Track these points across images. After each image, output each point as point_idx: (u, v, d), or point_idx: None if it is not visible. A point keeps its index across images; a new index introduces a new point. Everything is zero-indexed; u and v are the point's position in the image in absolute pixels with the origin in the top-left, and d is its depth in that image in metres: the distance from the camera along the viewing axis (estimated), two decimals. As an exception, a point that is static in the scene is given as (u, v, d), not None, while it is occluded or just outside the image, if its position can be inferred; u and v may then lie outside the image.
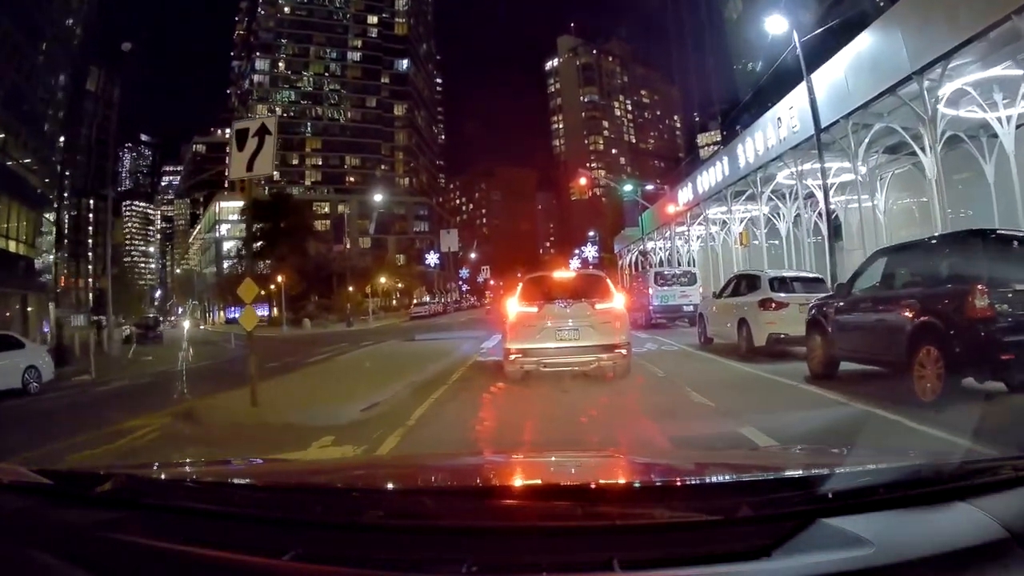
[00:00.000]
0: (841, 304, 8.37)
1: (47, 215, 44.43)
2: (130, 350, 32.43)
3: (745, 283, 12.38)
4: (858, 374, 8.15)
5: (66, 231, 53.12)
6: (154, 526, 1.31)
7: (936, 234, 7.63)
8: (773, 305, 10.93)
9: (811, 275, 12.32)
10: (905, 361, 6.71)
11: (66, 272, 47.27)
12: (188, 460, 3.11)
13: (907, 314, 6.89)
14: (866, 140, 15.06)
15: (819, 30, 16.56)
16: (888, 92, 13.35)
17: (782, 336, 10.85)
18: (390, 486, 1.67)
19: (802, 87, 16.20)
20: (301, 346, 24.43)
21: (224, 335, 39.81)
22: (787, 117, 17.49)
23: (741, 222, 25.72)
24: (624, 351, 8.65)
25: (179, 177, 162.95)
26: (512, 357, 8.76)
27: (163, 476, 1.82)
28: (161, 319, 51.93)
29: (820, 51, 20.46)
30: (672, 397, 7.62)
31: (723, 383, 8.54)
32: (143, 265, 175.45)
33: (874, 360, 7.71)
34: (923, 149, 15.06)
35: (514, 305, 9.13)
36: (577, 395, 8.05)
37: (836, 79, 14.89)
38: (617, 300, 9.16)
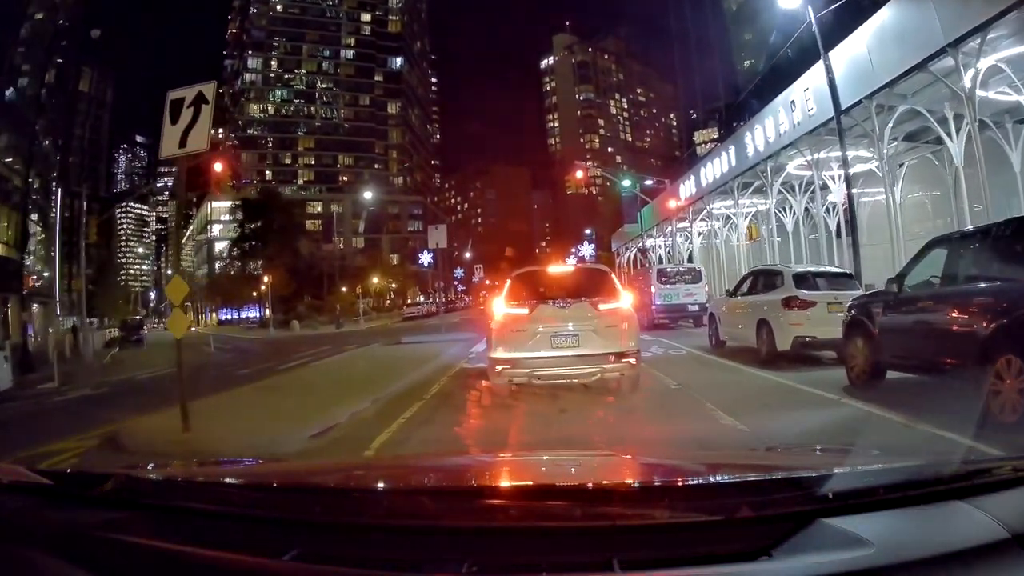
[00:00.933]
0: (890, 303, 7.07)
1: (32, 216, 43.32)
2: (108, 354, 31.21)
3: (763, 280, 11.06)
4: (906, 384, 6.90)
5: (57, 232, 51.64)
6: (154, 526, 1.31)
7: (1012, 218, 6.41)
8: (799, 304, 9.60)
9: (838, 270, 10.98)
10: (976, 372, 5.46)
11: (47, 274, 45.44)
12: (188, 460, 3.02)
13: (980, 316, 5.64)
14: (890, 123, 13.73)
15: (835, 5, 15.17)
16: (918, 68, 12.08)
17: (808, 339, 9.56)
18: (390, 486, 1.65)
19: (818, 67, 14.89)
20: (281, 350, 23.14)
21: (210, 338, 38.67)
22: (802, 100, 16.12)
23: (746, 217, 24.35)
24: (633, 360, 7.24)
25: (173, 178, 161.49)
26: (498, 368, 7.29)
27: (163, 476, 1.77)
28: (145, 321, 50.43)
29: (818, 47, 19.39)
30: (694, 418, 6.27)
31: (750, 397, 7.18)
32: (139, 267, 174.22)
33: (933, 369, 6.40)
34: (949, 134, 13.89)
35: (500, 306, 7.62)
36: (576, 415, 6.71)
37: (858, 55, 13.55)
38: (624, 299, 7.71)
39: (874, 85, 13.10)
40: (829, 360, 10.12)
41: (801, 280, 9.99)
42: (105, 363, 25.27)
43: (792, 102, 16.58)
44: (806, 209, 21.93)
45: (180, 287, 6.76)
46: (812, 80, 15.58)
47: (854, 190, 19.07)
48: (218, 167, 23.56)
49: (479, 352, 13.28)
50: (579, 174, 39.47)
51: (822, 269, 11.05)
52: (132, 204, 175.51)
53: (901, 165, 18.64)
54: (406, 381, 9.55)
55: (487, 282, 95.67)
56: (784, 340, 9.62)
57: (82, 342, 29.94)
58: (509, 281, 8.06)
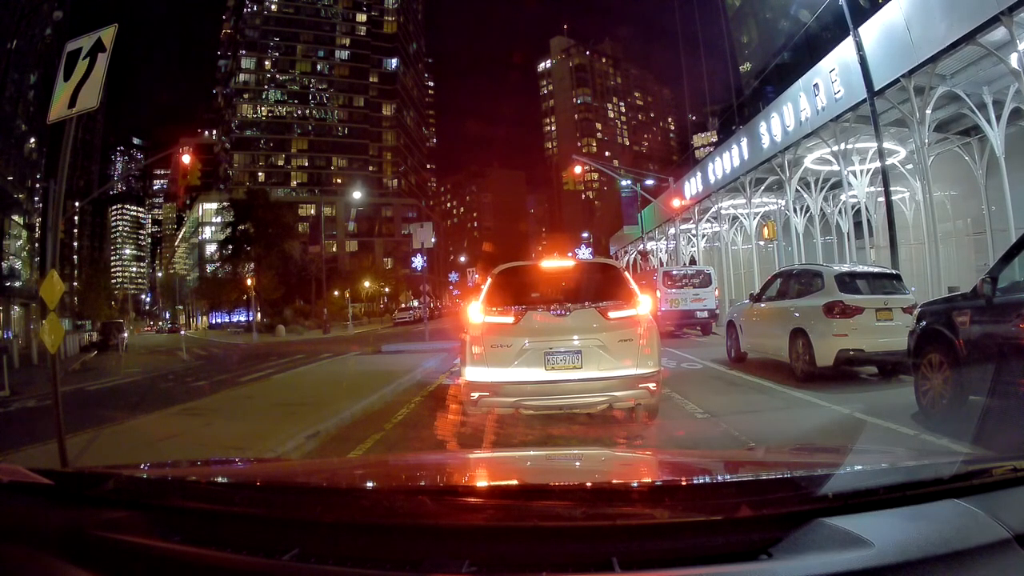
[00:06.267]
0: (981, 309, 5.45)
1: (15, 217, 41.85)
2: (79, 360, 29.57)
3: (797, 282, 9.41)
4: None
5: (37, 233, 50.14)
6: (154, 526, 1.31)
7: None
8: (844, 310, 7.99)
9: (884, 270, 9.32)
10: None
11: (25, 274, 43.74)
12: (187, 460, 2.58)
13: None
14: (930, 107, 12.13)
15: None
16: (967, 39, 10.52)
17: (853, 352, 8.00)
18: (390, 485, 1.66)
19: (847, 44, 13.31)
20: (254, 358, 21.47)
21: (192, 343, 37.09)
22: (827, 81, 14.49)
23: (755, 217, 22.70)
24: (653, 385, 5.49)
25: (167, 181, 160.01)
26: (474, 396, 5.53)
27: (163, 476, 1.76)
28: (123, 325, 48.67)
29: (837, 28, 17.93)
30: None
31: (806, 436, 5.55)
32: (136, 268, 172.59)
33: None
34: (989, 121, 12.43)
35: (477, 313, 5.81)
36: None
37: (895, 29, 11.97)
38: (641, 304, 5.82)
39: (914, 61, 11.51)
40: (870, 376, 8.63)
41: (845, 282, 8.36)
42: (73, 369, 23.47)
43: (815, 85, 14.94)
44: (823, 210, 20.38)
45: (54, 286, 5.09)
46: (840, 59, 13.98)
47: (871, 188, 17.61)
48: (186, 159, 21.97)
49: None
50: (577, 169, 37.82)
51: (866, 269, 9.41)
52: (128, 206, 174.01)
53: (929, 159, 17.11)
54: (369, 401, 7.88)
55: (482, 286, 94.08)
56: (826, 354, 8.01)
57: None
58: (490, 280, 6.20)
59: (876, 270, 9.28)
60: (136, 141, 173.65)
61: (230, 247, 52.96)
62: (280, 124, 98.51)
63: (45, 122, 6.65)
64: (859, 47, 12.57)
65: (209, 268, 70.18)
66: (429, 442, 5.85)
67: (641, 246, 38.48)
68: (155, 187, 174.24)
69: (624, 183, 36.20)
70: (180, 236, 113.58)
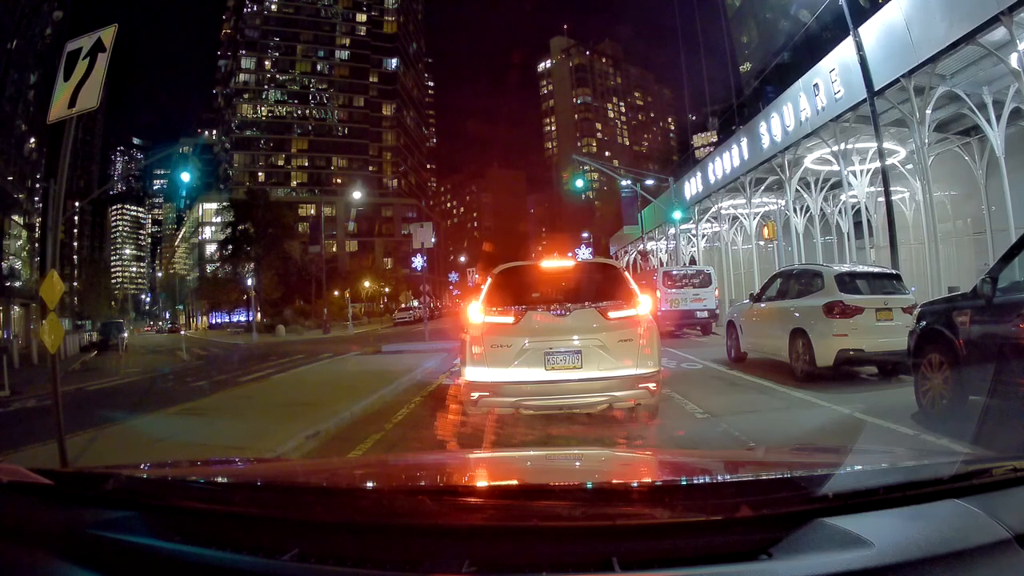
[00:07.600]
0: (982, 309, 5.44)
1: (15, 217, 41.92)
2: (79, 360, 29.59)
3: (797, 282, 9.41)
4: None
5: (37, 233, 50.15)
6: (154, 526, 1.31)
7: None
8: (844, 310, 7.99)
9: (884, 270, 9.33)
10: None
11: (25, 274, 43.74)
12: (187, 460, 2.51)
13: None
14: (930, 107, 12.12)
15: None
16: (967, 39, 10.52)
17: (853, 352, 8.00)
18: (390, 485, 1.66)
19: (847, 44, 13.31)
20: (255, 358, 21.47)
21: (192, 343, 37.11)
22: (827, 81, 14.49)
23: (755, 217, 22.71)
24: (653, 385, 5.49)
25: (167, 181, 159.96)
26: (474, 396, 5.53)
27: (163, 476, 1.77)
28: (123, 324, 48.67)
29: (837, 29, 17.94)
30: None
31: (807, 437, 5.54)
32: (136, 268, 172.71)
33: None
34: (989, 121, 12.43)
35: (477, 313, 5.80)
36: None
37: (895, 29, 11.97)
38: (642, 304, 5.82)
39: (914, 61, 11.52)
40: (870, 376, 8.63)
41: (845, 282, 8.36)
42: (73, 369, 23.45)
43: (815, 85, 14.95)
44: (823, 210, 20.39)
45: (54, 286, 5.09)
46: (840, 59, 13.98)
47: (871, 188, 17.61)
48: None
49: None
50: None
51: (866, 269, 9.41)
52: (128, 206, 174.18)
53: (929, 159, 17.10)
54: (369, 401, 7.88)
55: (482, 286, 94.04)
56: (826, 354, 8.01)
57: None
58: (490, 279, 6.19)
59: (876, 270, 9.28)
60: (136, 141, 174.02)
61: (230, 247, 52.97)
62: (280, 124, 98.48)
63: (45, 122, 6.64)
64: (859, 47, 12.57)
65: (209, 268, 70.16)
66: (429, 442, 5.87)
67: (641, 246, 38.48)
68: (155, 187, 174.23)
69: (624, 183, 36.11)
70: (180, 236, 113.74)
